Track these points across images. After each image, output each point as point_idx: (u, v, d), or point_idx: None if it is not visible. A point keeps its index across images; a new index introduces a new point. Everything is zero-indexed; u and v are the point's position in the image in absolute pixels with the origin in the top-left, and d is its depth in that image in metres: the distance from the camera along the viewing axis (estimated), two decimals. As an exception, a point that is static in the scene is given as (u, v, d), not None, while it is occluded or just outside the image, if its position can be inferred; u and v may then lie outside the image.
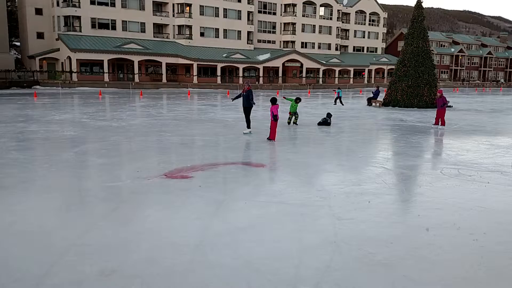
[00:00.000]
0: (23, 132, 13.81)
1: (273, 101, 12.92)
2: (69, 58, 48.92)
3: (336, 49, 75.41)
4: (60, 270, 4.23)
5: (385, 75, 77.76)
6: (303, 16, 69.89)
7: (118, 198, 6.76)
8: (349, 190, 7.30)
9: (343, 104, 28.90)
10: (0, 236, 5.07)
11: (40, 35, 52.25)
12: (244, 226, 5.50)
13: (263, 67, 62.28)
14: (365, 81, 75.15)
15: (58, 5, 51.06)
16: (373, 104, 28.99)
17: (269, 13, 67.89)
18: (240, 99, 14.42)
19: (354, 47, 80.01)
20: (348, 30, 78.37)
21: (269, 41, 68.61)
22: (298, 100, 17.34)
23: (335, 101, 29.65)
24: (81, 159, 9.87)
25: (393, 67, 41.58)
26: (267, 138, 12.81)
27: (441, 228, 5.55)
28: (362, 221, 5.78)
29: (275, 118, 12.66)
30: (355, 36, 79.59)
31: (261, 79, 62.10)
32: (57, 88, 44.45)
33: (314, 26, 71.66)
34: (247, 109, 14.08)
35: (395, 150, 11.96)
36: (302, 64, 66.59)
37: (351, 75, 73.78)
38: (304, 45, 70.85)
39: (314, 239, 5.10)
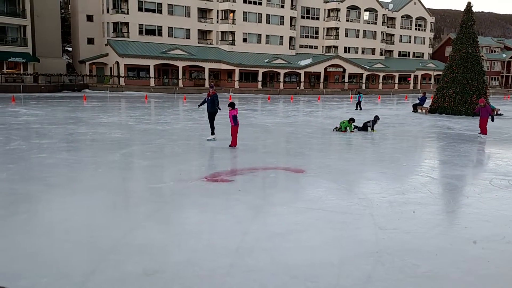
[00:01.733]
0: (72, 133, 14.46)
1: (232, 105, 12.15)
2: (117, 63, 50.82)
3: (381, 54, 73.89)
4: (106, 268, 4.38)
5: (432, 81, 75.28)
6: (346, 20, 69.05)
7: (161, 199, 6.93)
8: (392, 199, 7.11)
9: (361, 109, 28.49)
10: (50, 233, 5.32)
11: (90, 41, 54.64)
12: (283, 231, 5.48)
13: (305, 72, 62.00)
14: (411, 87, 73.07)
15: (108, 11, 53.23)
16: (419, 110, 28.14)
17: (312, 18, 67.58)
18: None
19: (399, 52, 78.08)
20: (393, 34, 76.61)
21: (311, 46, 68.26)
22: (351, 120, 16.73)
23: (357, 106, 29.29)
24: (127, 161, 10.20)
25: (440, 73, 40.18)
26: (229, 146, 12.10)
27: (489, 241, 5.29)
28: (406, 231, 5.61)
29: (235, 122, 11.97)
30: (400, 41, 77.67)
31: (302, 84, 61.85)
32: (105, 92, 46.28)
33: (358, 30, 70.62)
34: (212, 114, 13.34)
35: (442, 159, 11.54)
36: (344, 69, 65.73)
37: (396, 81, 71.99)
38: (347, 50, 69.95)
39: (355, 248, 5.01)
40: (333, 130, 16.74)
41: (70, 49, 62.04)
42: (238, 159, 10.58)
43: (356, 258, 4.74)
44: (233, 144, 12.13)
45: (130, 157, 10.64)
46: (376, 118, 16.97)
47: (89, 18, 54.25)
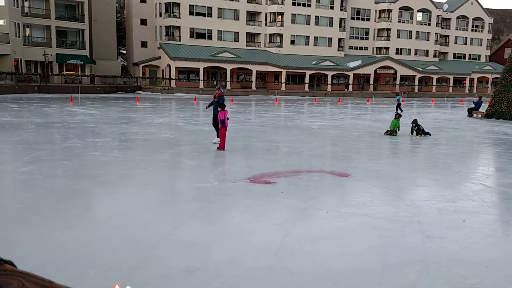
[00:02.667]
0: (125, 133, 15.08)
1: (222, 106, 11.61)
2: (169, 65, 52.40)
3: (434, 56, 71.16)
4: (150, 264, 4.53)
5: (489, 84, 71.44)
6: (398, 21, 67.11)
7: (206, 198, 7.07)
8: (442, 207, 6.83)
9: (402, 111, 27.76)
10: (100, 228, 5.57)
11: (144, 44, 56.72)
12: (325, 236, 5.42)
13: (354, 74, 60.89)
14: (466, 90, 69.78)
15: (160, 16, 55.03)
16: (474, 115, 26.80)
17: (362, 19, 66.30)
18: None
19: (454, 54, 74.80)
20: (448, 36, 73.52)
21: (361, 48, 66.96)
22: (398, 116, 16.22)
23: (397, 108, 28.54)
24: (175, 160, 10.49)
25: (498, 76, 38.03)
26: (217, 148, 11.62)
27: (549, 256, 4.95)
28: (455, 241, 5.37)
29: (223, 123, 11.46)
30: (455, 42, 74.39)
31: (350, 86, 60.80)
32: (157, 93, 47.84)
33: (410, 32, 68.42)
34: (217, 116, 12.41)
35: (497, 166, 10.93)
36: (396, 71, 63.89)
37: (451, 84, 69.04)
38: (399, 51, 67.96)
39: (400, 256, 4.85)
40: (384, 134, 16.23)
41: (124, 52, 64.68)
42: (282, 161, 10.58)
43: (401, 266, 4.59)
44: (221, 147, 11.53)
45: (178, 157, 10.93)
46: (414, 121, 16.12)
47: (143, 22, 56.30)
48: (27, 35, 44.75)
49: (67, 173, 8.62)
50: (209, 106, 13.07)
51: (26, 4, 44.42)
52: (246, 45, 59.15)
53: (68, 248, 4.83)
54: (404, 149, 13.39)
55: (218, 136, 12.38)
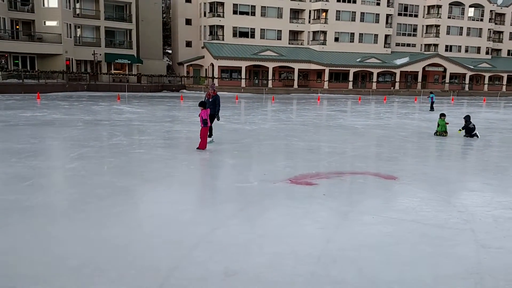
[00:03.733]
0: (169, 131, 15.29)
1: (202, 105, 11.11)
2: (212, 65, 53.03)
3: (487, 53, 67.69)
4: (188, 265, 4.45)
5: (548, 82, 67.05)
6: (448, 17, 64.35)
7: (246, 199, 6.95)
8: (498, 214, 6.34)
9: (433, 110, 27.30)
10: (141, 227, 5.58)
11: (188, 44, 57.70)
12: (370, 243, 5.14)
13: (400, 71, 59.00)
14: (522, 89, 65.87)
15: (205, 15, 55.78)
16: (531, 115, 25.16)
17: (410, 15, 64.12)
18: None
19: (508, 51, 70.76)
20: (502, 32, 69.65)
21: (408, 45, 64.80)
22: (443, 116, 15.40)
23: (431, 107, 28.24)
24: (216, 159, 10.47)
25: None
26: (196, 148, 11.15)
27: None
28: (514, 252, 4.94)
29: (205, 123, 10.99)
30: (510, 38, 70.35)
31: (397, 84, 58.96)
32: (201, 92, 48.52)
33: (461, 28, 65.43)
34: (211, 116, 11.79)
35: (560, 171, 10.10)
36: (445, 69, 61.31)
37: (504, 82, 65.40)
38: (448, 48, 65.18)
39: (452, 267, 4.51)
40: (434, 134, 15.47)
41: (170, 51, 66.11)
42: (324, 162, 10.30)
43: (453, 278, 4.26)
44: (201, 146, 11.12)
45: (219, 155, 10.91)
46: (467, 117, 15.14)
47: (188, 22, 57.26)
48: (78, 35, 46.68)
49: (111, 170, 8.79)
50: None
51: (77, 5, 46.33)
52: (289, 43, 58.81)
53: (109, 246, 4.85)
54: (454, 151, 12.71)
55: (210, 136, 11.95)
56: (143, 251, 4.76)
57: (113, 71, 48.88)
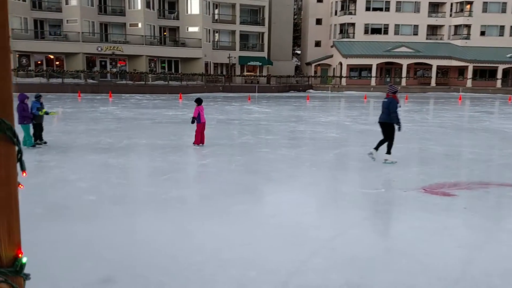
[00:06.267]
0: (293, 131, 15.37)
1: (198, 101, 11.22)
2: (340, 63, 52.13)
3: None
4: (308, 272, 4.29)
5: None
6: None
7: (372, 207, 6.52)
8: None
9: None
10: (263, 226, 5.59)
11: (317, 43, 57.66)
12: (523, 270, 4.33)
13: None
14: None
15: (335, 14, 55.10)
16: None
17: None
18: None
19: None
20: None
21: None
22: None
23: None
24: (340, 161, 10.13)
25: None
26: (193, 143, 11.33)
27: None
28: None
29: (193, 120, 11.09)
30: None
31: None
32: (327, 92, 48.08)
33: None
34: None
35: None
36: None
37: None
38: None
39: None
40: None
41: (299, 52, 66.92)
42: (465, 170, 9.19)
43: None
44: (197, 142, 11.30)
45: (343, 158, 10.54)
46: None
47: (318, 21, 57.24)
48: (215, 40, 50.09)
49: (238, 168, 9.11)
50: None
51: (216, 11, 49.74)
52: (426, 38, 54.72)
53: (232, 244, 4.95)
54: None
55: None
56: (263, 252, 4.75)
57: (245, 73, 51.33)
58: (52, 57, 41.76)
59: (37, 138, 11.01)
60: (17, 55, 38.86)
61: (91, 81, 38.92)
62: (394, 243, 5.07)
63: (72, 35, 40.82)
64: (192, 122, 11.32)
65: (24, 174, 0.86)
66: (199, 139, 11.38)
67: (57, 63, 41.85)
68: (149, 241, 4.99)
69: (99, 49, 41.16)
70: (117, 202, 6.59)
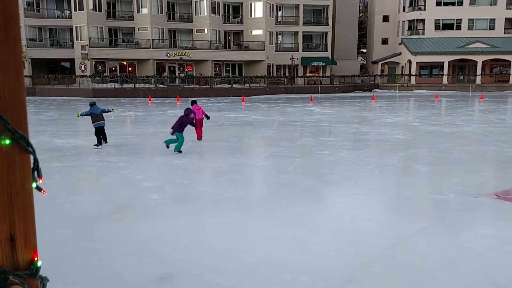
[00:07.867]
0: (355, 133, 14.94)
1: (192, 102, 12.68)
2: (409, 61, 49.93)
3: None
4: (364, 280, 4.13)
5: None
6: None
7: (438, 213, 6.15)
8: None
9: None
10: (319, 230, 5.48)
11: (384, 41, 55.68)
12: None
13: None
14: None
15: (404, 10, 52.90)
16: None
17: None
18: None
19: None
20: None
21: None
22: None
23: None
24: (405, 165, 9.68)
25: None
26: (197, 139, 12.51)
27: None
28: None
29: (193, 123, 11.71)
30: None
31: None
32: (394, 91, 46.26)
33: None
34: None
35: None
36: None
37: None
38: None
39: None
40: None
41: (364, 50, 65.13)
42: (547, 175, 8.37)
43: None
44: (200, 137, 12.63)
45: (409, 161, 10.06)
46: None
47: (385, 18, 55.33)
48: (278, 41, 50.24)
49: (296, 170, 9.03)
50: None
51: (279, 13, 49.90)
52: (504, 33, 50.76)
53: (285, 247, 4.91)
54: None
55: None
56: (317, 257, 4.65)
57: (308, 74, 50.91)
58: (125, 63, 44.32)
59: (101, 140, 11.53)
60: (94, 62, 41.70)
61: (161, 85, 40.76)
62: (460, 252, 4.73)
63: (143, 42, 43.02)
64: (192, 124, 11.66)
65: (41, 180, 0.89)
66: (201, 134, 12.74)
67: (130, 69, 44.33)
68: (204, 241, 5.09)
69: (168, 55, 43.00)
70: (178, 201, 6.82)
